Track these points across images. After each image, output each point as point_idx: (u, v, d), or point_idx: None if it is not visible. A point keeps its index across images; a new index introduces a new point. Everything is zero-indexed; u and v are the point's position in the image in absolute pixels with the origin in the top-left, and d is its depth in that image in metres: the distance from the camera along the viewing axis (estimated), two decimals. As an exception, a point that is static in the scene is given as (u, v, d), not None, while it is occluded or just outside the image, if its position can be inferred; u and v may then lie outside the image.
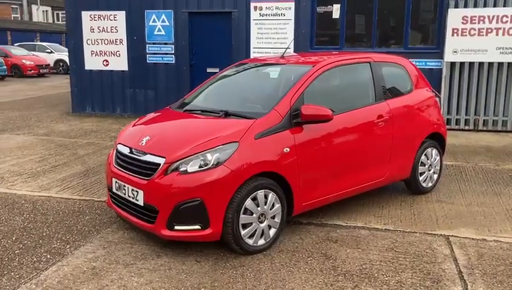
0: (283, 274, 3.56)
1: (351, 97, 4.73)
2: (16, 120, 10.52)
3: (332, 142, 4.34)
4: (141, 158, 3.92)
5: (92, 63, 11.27)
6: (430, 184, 5.49)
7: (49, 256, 3.82)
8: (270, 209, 3.92)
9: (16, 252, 3.91)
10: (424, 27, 9.96)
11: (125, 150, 4.15)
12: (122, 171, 4.07)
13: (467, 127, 9.51)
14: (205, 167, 3.64)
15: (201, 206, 3.59)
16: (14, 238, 4.18)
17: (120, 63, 11.10)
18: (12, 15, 44.11)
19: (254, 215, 3.82)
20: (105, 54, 11.13)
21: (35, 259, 3.77)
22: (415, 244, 4.13)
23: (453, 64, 9.35)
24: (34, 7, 44.86)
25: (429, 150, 5.38)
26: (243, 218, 3.75)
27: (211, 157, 3.66)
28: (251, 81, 4.91)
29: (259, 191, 3.82)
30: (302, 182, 4.11)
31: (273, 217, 3.99)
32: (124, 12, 10.82)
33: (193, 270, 3.62)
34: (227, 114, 4.18)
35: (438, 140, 5.52)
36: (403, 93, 5.16)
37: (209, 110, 4.38)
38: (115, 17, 10.91)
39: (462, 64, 9.32)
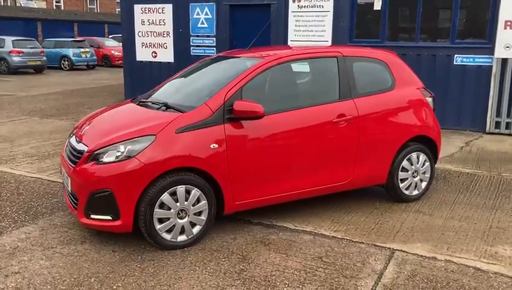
0: (183, 273, 3.47)
1: (307, 94, 4.44)
2: (70, 106, 11.36)
3: (275, 141, 4.11)
4: (75, 146, 4.05)
5: (142, 54, 11.81)
6: (415, 192, 4.99)
7: (-12, 233, 4.11)
8: (193, 205, 3.83)
9: (-32, 226, 4.25)
10: (473, 20, 9.01)
11: (73, 139, 4.31)
12: (65, 158, 4.23)
13: (519, 132, 8.48)
14: (118, 159, 3.65)
15: (111, 197, 3.61)
16: (-23, 214, 4.55)
17: (167, 55, 11.48)
18: (117, 9, 47.53)
19: (172, 210, 3.75)
20: (153, 46, 11.59)
21: (-27, 235, 4.07)
22: (350, 255, 3.79)
23: (504, 61, 8.36)
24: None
25: (414, 154, 4.88)
26: (159, 212, 3.71)
27: (124, 149, 3.66)
28: (209, 75, 4.79)
29: (179, 187, 3.74)
30: (235, 180, 3.96)
31: (199, 214, 3.89)
32: (171, 5, 11.16)
33: (102, 259, 3.67)
34: (167, 106, 4.16)
35: (427, 144, 4.99)
36: (379, 92, 4.72)
37: (156, 102, 4.38)
38: (162, 10, 11.29)
39: (515, 61, 8.31)
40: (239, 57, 4.67)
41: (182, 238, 3.86)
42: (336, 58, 4.54)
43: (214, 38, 10.81)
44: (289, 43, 10.01)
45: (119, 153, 3.68)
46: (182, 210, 3.80)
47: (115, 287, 3.27)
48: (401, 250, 3.90)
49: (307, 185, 4.33)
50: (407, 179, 4.91)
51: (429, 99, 5.03)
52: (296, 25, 9.90)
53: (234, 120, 3.94)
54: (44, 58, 21.49)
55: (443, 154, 6.81)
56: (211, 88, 4.19)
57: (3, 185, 5.42)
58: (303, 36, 9.87)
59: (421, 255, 3.81)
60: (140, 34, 11.70)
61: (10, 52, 20.24)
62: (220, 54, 5.25)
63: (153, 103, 4.42)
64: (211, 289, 3.27)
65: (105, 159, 3.69)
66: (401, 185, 4.88)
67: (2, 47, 20.46)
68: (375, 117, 4.59)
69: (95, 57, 24.49)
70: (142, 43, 11.73)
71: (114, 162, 3.65)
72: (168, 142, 3.72)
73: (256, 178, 4.08)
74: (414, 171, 4.93)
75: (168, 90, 4.74)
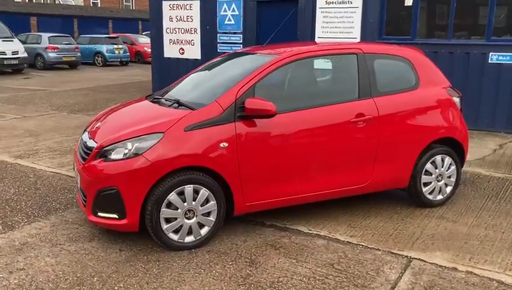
0: (187, 276, 3.37)
1: (324, 92, 4.26)
2: (99, 102, 11.50)
3: (288, 141, 3.96)
4: (86, 143, 4.00)
5: (170, 51, 11.82)
6: (439, 197, 4.73)
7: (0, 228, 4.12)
8: (201, 205, 3.73)
9: (-18, 220, 4.28)
10: (510, 16, 8.55)
11: (85, 135, 4.27)
12: (77, 153, 4.19)
13: (557, 135, 8.00)
14: (126, 156, 3.58)
15: (117, 195, 3.54)
16: (-8, 208, 4.59)
17: (194, 52, 11.45)
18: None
19: (179, 210, 3.66)
20: (181, 42, 11.58)
21: (-15, 229, 4.09)
22: (363, 263, 3.60)
23: (543, 59, 7.91)
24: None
25: (438, 157, 4.62)
26: (166, 212, 3.62)
27: (131, 147, 3.59)
28: (223, 72, 4.67)
29: (187, 186, 3.64)
30: (246, 180, 3.83)
31: (208, 215, 3.78)
32: (199, 2, 11.11)
33: (108, 258, 3.61)
34: (179, 103, 4.06)
35: (453, 146, 4.72)
36: (402, 91, 4.48)
37: (169, 99, 4.30)
38: (190, 7, 11.26)
39: (555, 59, 7.84)
40: (254, 53, 4.53)
41: (189, 239, 3.76)
42: (355, 55, 4.33)
43: (241, 35, 10.69)
44: (316, 40, 9.78)
45: (126, 151, 3.60)
46: (189, 210, 3.70)
47: (116, 288, 3.20)
48: (419, 259, 3.68)
49: (323, 187, 4.16)
50: (431, 183, 4.65)
51: (456, 99, 4.76)
52: (323, 22, 9.67)
53: (246, 118, 3.80)
54: (79, 54, 21.95)
55: (474, 157, 6.50)
56: (223, 85, 4.06)
57: (22, 179, 5.47)
58: (331, 33, 9.63)
59: (440, 265, 3.58)
60: (168, 30, 11.72)
61: (46, 48, 20.75)
62: (237, 51, 5.13)
63: (165, 100, 4.33)
64: (213, 293, 3.16)
65: (113, 156, 3.62)
66: (424, 189, 4.63)
67: (39, 43, 21.00)
68: (397, 117, 4.37)
69: (128, 54, 24.83)
70: (170, 39, 11.74)
71: (121, 159, 3.58)
72: (176, 140, 3.62)
73: (269, 179, 3.94)
74: (438, 174, 4.67)
75: (182, 87, 4.65)
